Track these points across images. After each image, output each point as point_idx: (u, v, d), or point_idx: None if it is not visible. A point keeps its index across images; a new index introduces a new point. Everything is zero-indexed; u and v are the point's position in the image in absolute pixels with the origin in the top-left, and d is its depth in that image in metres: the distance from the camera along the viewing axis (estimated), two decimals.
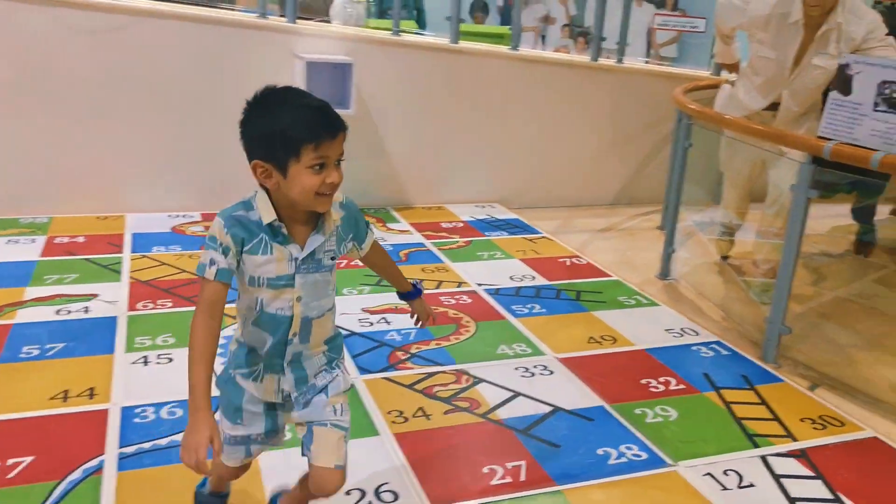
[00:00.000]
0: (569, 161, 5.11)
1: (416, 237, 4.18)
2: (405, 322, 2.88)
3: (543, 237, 4.37)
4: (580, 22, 9.63)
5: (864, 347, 3.16)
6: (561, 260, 3.98)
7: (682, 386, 2.65)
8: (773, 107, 3.35)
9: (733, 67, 3.67)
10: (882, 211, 4.64)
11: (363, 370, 2.60)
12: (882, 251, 4.45)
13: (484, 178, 4.97)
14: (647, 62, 8.61)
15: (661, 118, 5.03)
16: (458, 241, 4.16)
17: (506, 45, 5.18)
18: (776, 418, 2.46)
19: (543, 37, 9.43)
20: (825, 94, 2.78)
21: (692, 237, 4.57)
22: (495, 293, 3.40)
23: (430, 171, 4.85)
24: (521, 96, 4.84)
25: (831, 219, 4.64)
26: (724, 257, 4.07)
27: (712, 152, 3.85)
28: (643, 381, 2.66)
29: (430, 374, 2.59)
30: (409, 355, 2.74)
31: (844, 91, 2.65)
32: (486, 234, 4.34)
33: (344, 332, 2.31)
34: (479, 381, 2.58)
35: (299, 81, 4.02)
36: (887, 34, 3.03)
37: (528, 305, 3.28)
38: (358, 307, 3.12)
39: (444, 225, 4.46)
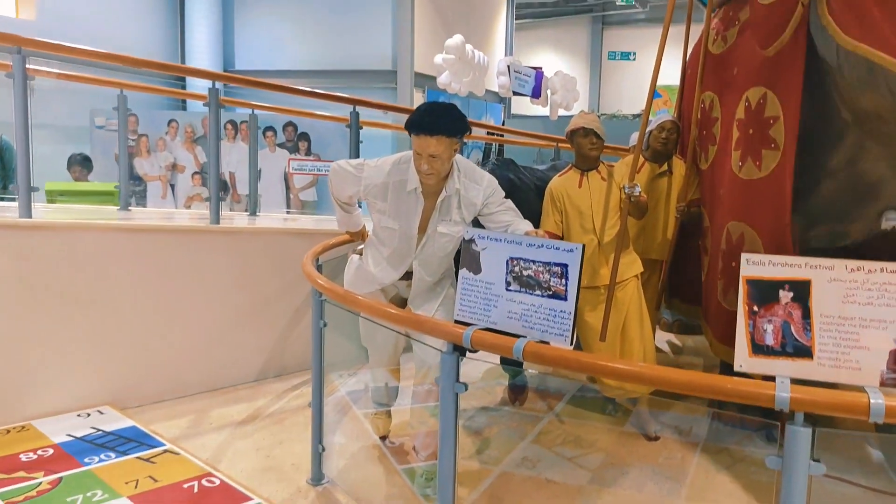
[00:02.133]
0: (196, 339, 4.31)
1: None
2: None
3: (166, 451, 3.45)
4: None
5: None
6: (187, 485, 3.10)
7: None
8: (410, 275, 3.03)
9: (359, 235, 3.32)
10: None
11: None
12: (535, 395, 4.39)
13: (87, 376, 3.91)
14: (287, 211, 8.30)
15: (300, 277, 4.53)
16: (40, 484, 3.05)
17: (114, 203, 4.31)
18: None
19: (173, 186, 8.62)
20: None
21: (349, 412, 4.04)
22: None
23: (3, 380, 3.65)
24: (127, 273, 3.97)
25: (482, 363, 4.49)
26: (383, 437, 3.59)
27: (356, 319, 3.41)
28: None
29: None
30: None
31: (473, 269, 2.36)
32: (86, 461, 3.28)
33: None
34: None
35: None
36: (504, 198, 2.90)
37: None
38: None
39: (22, 458, 3.30)
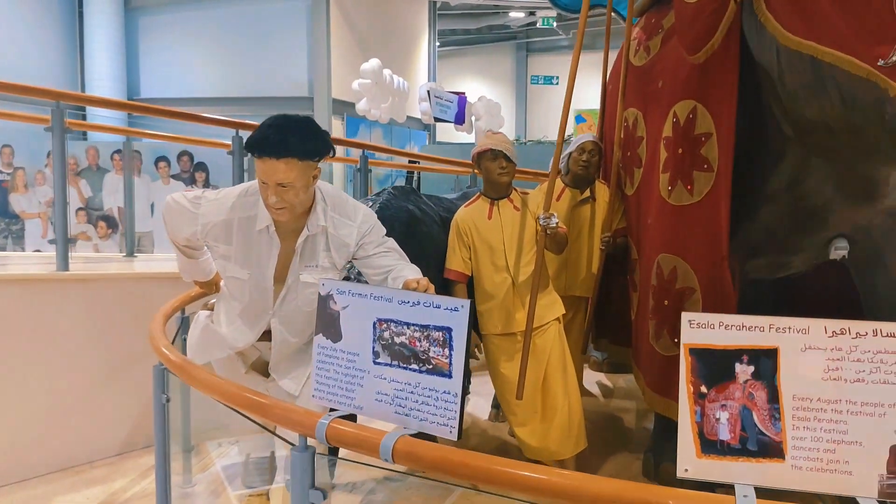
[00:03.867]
0: (41, 410, 3.56)
1: None
2: None
3: None
4: (98, 204, 8.20)
5: None
6: None
7: None
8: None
9: (210, 286, 2.66)
10: None
11: None
12: None
13: None
14: None
15: (170, 326, 3.83)
16: None
17: None
18: None
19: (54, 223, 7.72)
20: None
21: (222, 494, 3.36)
22: None
23: None
24: None
25: None
26: None
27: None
28: None
29: None
30: None
31: (332, 334, 1.76)
32: None
33: None
34: None
35: None
36: (384, 236, 2.32)
37: None
38: None
39: None
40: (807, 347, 1.30)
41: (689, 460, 1.36)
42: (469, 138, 15.36)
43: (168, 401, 2.45)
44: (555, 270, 3.91)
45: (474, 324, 3.42)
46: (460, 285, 3.34)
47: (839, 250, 2.99)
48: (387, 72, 11.50)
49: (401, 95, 12.12)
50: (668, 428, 3.12)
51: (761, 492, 1.27)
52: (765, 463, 1.31)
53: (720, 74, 2.90)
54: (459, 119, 13.50)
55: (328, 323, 1.75)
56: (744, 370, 1.33)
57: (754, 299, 4.38)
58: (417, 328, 1.61)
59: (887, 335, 1.27)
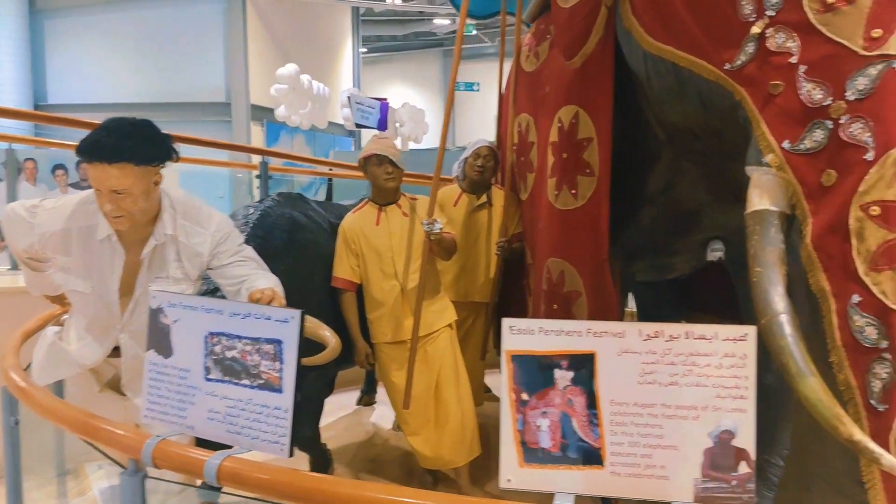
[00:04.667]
0: None
1: None
2: None
3: None
4: None
5: None
6: None
7: None
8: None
9: (60, 300, 2.51)
10: None
11: None
12: None
13: None
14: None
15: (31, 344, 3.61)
16: None
17: None
18: None
19: None
20: None
21: None
22: None
23: None
24: None
25: None
26: None
27: None
28: None
29: None
30: None
31: (163, 350, 1.67)
32: None
33: None
34: None
35: None
36: (241, 244, 2.22)
37: None
38: None
39: None
40: (623, 351, 1.28)
41: (512, 470, 1.32)
42: (397, 145, 15.28)
43: (17, 423, 2.30)
44: (453, 276, 3.88)
45: (365, 332, 3.35)
46: (349, 294, 3.27)
47: (715, 252, 3.05)
48: (305, 77, 11.34)
49: (321, 101, 11.96)
50: None
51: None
52: (585, 470, 1.29)
53: (598, 79, 2.92)
54: (382, 125, 13.39)
55: (159, 338, 1.65)
56: (563, 376, 1.30)
57: (654, 301, 4.46)
58: (248, 341, 1.53)
59: (699, 337, 1.27)
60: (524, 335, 1.33)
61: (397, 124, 14.18)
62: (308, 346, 2.16)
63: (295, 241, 3.10)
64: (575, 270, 3.17)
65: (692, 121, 2.45)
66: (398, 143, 15.23)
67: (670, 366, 1.26)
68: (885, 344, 1.63)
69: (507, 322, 1.35)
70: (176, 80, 12.82)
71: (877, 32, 1.72)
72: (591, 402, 1.29)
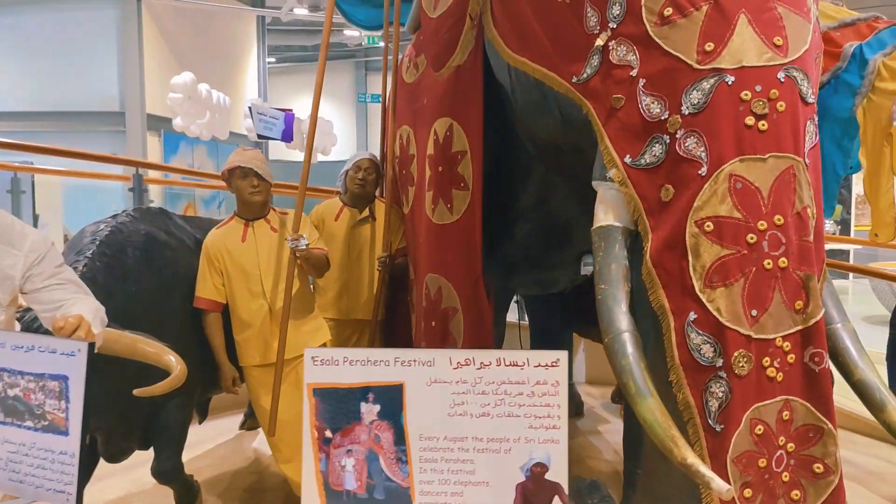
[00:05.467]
0: None
1: None
2: None
3: None
4: None
5: None
6: None
7: None
8: None
9: None
10: None
11: None
12: None
13: None
14: None
15: None
16: None
17: None
18: None
19: None
20: None
21: None
22: None
23: None
24: None
25: None
26: None
27: None
28: None
29: None
30: None
31: None
32: None
33: None
34: None
35: None
36: (59, 266, 2.02)
37: None
38: None
39: None
40: (432, 381, 1.19)
41: None
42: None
43: None
44: (335, 293, 3.75)
45: (233, 355, 3.17)
46: (213, 315, 3.08)
47: (587, 266, 3.03)
48: (203, 86, 10.95)
49: (221, 111, 11.59)
50: None
51: None
52: None
53: (469, 91, 2.86)
54: (287, 136, 13.04)
55: None
56: (369, 410, 1.19)
57: (545, 314, 4.44)
58: (32, 378, 1.36)
59: (511, 364, 1.19)
60: (327, 366, 1.21)
61: (304, 136, 13.92)
62: (158, 372, 1.99)
63: (150, 260, 2.90)
64: (451, 286, 3.10)
65: (555, 135, 2.42)
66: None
67: (482, 395, 1.18)
68: (720, 362, 1.60)
69: (308, 353, 1.24)
70: (67, 88, 12.16)
71: (709, 46, 1.70)
72: (400, 438, 1.19)
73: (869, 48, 3.50)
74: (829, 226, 12.63)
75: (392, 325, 4.00)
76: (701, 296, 1.64)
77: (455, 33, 2.71)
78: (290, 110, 13.48)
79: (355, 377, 1.21)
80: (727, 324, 1.61)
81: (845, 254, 10.58)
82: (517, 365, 1.18)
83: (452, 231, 3.06)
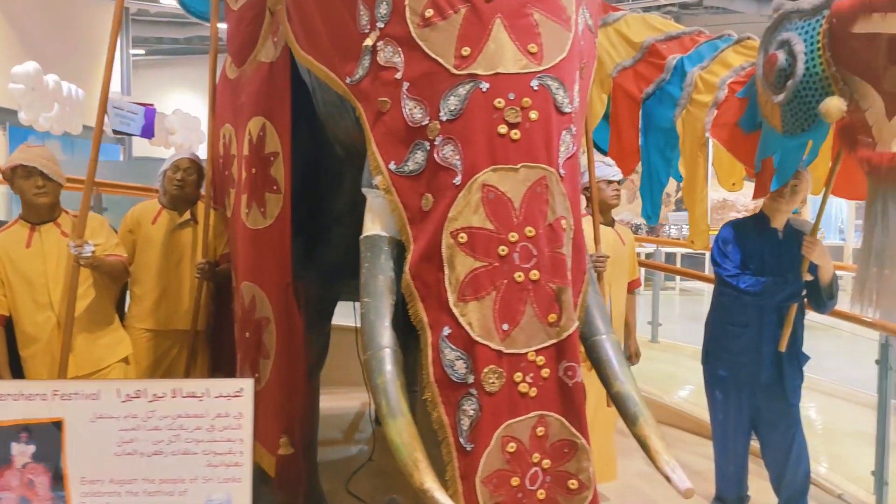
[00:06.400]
0: None
1: None
2: None
3: None
4: None
5: None
6: None
7: None
8: None
9: None
10: None
11: None
12: None
13: None
14: None
15: None
16: None
17: None
18: None
19: None
20: None
21: None
22: None
23: None
24: None
25: None
26: None
27: None
28: None
29: None
30: None
31: None
32: None
33: None
34: None
35: None
36: None
37: None
38: None
39: None
40: (97, 417, 1.04)
41: None
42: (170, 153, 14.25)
43: None
44: (153, 302, 3.49)
45: (19, 373, 2.88)
46: None
47: None
48: (51, 77, 10.18)
49: (73, 104, 10.82)
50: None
51: None
52: None
53: (275, 88, 2.72)
54: (147, 132, 12.34)
55: None
56: (22, 451, 1.04)
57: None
58: None
59: (188, 395, 1.06)
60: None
61: (168, 132, 13.22)
62: None
63: None
64: (265, 295, 2.94)
65: (354, 137, 2.31)
66: (172, 151, 14.20)
67: (154, 431, 1.05)
68: (472, 379, 1.54)
69: None
70: None
71: (466, 50, 1.64)
72: (58, 482, 1.03)
73: (689, 61, 3.63)
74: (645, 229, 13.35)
75: (220, 336, 3.78)
76: (455, 310, 1.57)
77: (255, 27, 2.56)
78: (151, 105, 12.73)
79: (6, 413, 1.05)
80: (478, 339, 1.55)
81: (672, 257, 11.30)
82: (195, 396, 1.06)
83: (265, 236, 2.91)
